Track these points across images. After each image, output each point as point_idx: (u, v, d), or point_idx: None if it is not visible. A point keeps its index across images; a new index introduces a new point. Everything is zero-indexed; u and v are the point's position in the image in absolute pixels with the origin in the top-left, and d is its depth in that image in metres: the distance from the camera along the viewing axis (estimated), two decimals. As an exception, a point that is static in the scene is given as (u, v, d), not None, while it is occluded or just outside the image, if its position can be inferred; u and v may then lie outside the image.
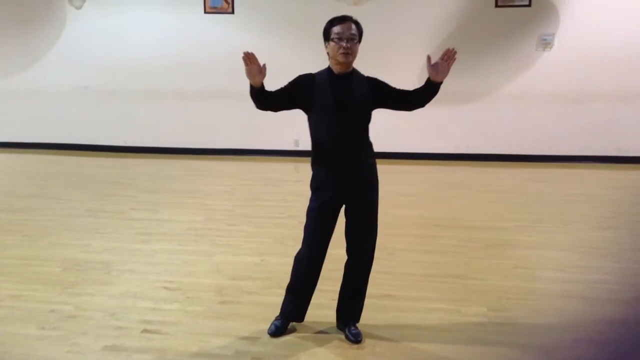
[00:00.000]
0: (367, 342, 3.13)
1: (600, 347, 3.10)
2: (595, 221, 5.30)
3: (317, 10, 7.94)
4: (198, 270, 4.15)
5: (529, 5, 7.63)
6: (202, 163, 8.15)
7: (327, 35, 2.91)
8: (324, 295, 3.46)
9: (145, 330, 3.26)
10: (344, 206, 3.07)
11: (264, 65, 2.86)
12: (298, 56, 7.05)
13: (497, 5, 7.68)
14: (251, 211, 5.66)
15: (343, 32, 2.84)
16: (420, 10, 7.77)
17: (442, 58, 2.85)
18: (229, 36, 8.22)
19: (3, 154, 8.90)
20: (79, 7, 8.54)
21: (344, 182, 2.97)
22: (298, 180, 7.11)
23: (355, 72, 2.98)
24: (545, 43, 7.72)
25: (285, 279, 3.96)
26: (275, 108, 3.06)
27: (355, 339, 3.11)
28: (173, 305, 3.58)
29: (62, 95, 8.89)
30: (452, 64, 2.84)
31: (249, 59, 2.83)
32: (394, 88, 2.98)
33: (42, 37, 8.75)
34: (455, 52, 2.83)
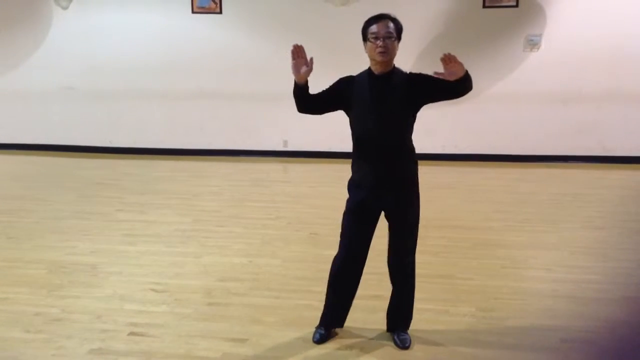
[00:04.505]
0: (356, 343, 3.12)
1: (589, 346, 3.11)
2: (583, 221, 5.33)
3: (305, 10, 7.95)
4: (185, 272, 4.12)
5: (516, 6, 7.66)
6: (189, 164, 8.10)
7: (364, 36, 2.86)
8: (312, 297, 3.46)
9: (132, 333, 3.23)
10: (382, 212, 3.01)
11: (312, 59, 2.81)
12: (286, 56, 7.00)
13: (484, 6, 7.70)
14: (239, 212, 5.63)
15: (379, 30, 2.78)
16: (408, 11, 7.74)
17: (445, 65, 2.73)
18: (217, 36, 8.18)
19: (-12, 155, 8.81)
20: (65, 7, 8.45)
21: (382, 183, 2.92)
22: (287, 181, 7.10)
23: (396, 71, 2.91)
24: (533, 44, 7.75)
25: (274, 279, 3.98)
26: (317, 110, 3.00)
27: (403, 344, 3.07)
28: (160, 308, 3.56)
29: (48, 95, 8.79)
30: (455, 61, 2.71)
31: (297, 52, 2.80)
32: (436, 78, 2.82)
33: (28, 38, 8.66)
34: (449, 53, 2.72)
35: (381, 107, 2.85)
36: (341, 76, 3.00)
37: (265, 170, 7.69)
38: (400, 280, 3.14)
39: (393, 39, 2.81)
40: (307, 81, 2.85)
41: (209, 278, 4.01)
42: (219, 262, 4.32)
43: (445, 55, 2.70)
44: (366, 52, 2.87)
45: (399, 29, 2.84)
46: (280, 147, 8.38)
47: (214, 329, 3.28)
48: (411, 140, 3.02)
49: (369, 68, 2.92)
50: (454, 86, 2.78)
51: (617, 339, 3.20)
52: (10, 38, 8.70)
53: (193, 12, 8.22)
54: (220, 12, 8.18)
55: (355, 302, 3.22)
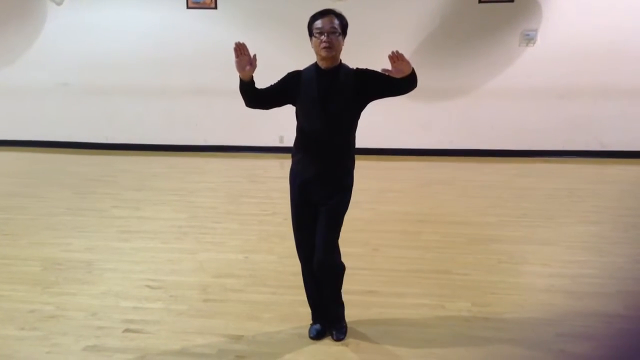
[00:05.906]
0: (351, 339, 3.11)
1: (584, 340, 3.11)
2: (579, 216, 5.34)
3: (300, 5, 7.88)
4: (181, 269, 4.11)
5: (512, 1, 7.66)
6: (185, 160, 8.09)
7: (310, 31, 2.88)
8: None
9: (127, 330, 3.22)
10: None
11: (254, 56, 2.83)
12: (281, 51, 7.01)
13: (480, 1, 7.69)
14: (236, 208, 5.62)
15: (324, 26, 2.80)
16: (404, 6, 7.77)
17: (392, 63, 2.73)
18: (212, 32, 8.16)
19: (-17, 152, 8.77)
20: (59, 3, 8.42)
21: (321, 177, 2.94)
22: (283, 177, 7.08)
23: (343, 67, 2.93)
24: (528, 39, 7.75)
25: (270, 275, 3.98)
26: (265, 105, 3.02)
27: (337, 337, 3.09)
28: (156, 304, 3.54)
29: (43, 92, 8.77)
30: (403, 60, 2.71)
31: (240, 49, 2.81)
32: (383, 74, 2.83)
33: (22, 34, 8.62)
34: (397, 51, 2.71)
35: (328, 104, 2.86)
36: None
37: (261, 166, 7.68)
38: (330, 278, 3.07)
39: (337, 35, 2.81)
40: (252, 77, 2.86)
41: (205, 274, 4.00)
42: (214, 258, 4.31)
43: (393, 53, 2.71)
44: (312, 47, 2.89)
45: (344, 25, 2.85)
46: (276, 143, 8.37)
47: (210, 326, 3.27)
48: (354, 138, 3.03)
49: (316, 63, 2.93)
50: (399, 83, 2.80)
51: (613, 333, 3.21)
52: (4, 34, 8.66)
53: (188, 7, 8.19)
54: (215, 8, 8.16)
55: (349, 297, 3.22)
